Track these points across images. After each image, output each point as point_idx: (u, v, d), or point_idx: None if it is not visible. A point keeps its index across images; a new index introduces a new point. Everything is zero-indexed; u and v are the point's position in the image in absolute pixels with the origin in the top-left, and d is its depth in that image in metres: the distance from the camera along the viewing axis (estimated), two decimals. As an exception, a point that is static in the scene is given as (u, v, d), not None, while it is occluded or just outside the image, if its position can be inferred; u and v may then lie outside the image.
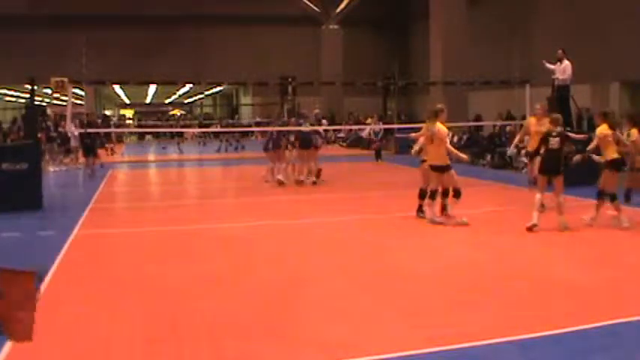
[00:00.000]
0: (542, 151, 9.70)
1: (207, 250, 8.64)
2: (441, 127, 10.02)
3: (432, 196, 10.19)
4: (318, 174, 15.84)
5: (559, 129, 9.71)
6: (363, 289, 6.59)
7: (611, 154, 9.87)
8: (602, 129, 9.93)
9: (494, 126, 22.60)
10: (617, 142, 10.00)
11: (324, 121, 31.55)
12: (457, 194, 9.93)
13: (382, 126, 25.13)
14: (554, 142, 9.56)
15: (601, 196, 9.83)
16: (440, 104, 10.72)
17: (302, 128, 15.67)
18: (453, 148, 10.26)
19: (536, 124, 11.17)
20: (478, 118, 24.18)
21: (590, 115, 19.15)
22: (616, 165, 9.89)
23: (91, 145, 18.28)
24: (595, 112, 19.42)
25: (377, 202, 12.65)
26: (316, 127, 16.58)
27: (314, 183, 15.45)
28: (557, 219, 9.49)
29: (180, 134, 30.90)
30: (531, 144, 11.37)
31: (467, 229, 9.77)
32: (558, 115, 10.13)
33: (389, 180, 17.48)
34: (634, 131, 10.18)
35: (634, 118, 10.62)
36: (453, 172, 10.04)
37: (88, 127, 18.77)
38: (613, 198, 9.73)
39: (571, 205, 12.19)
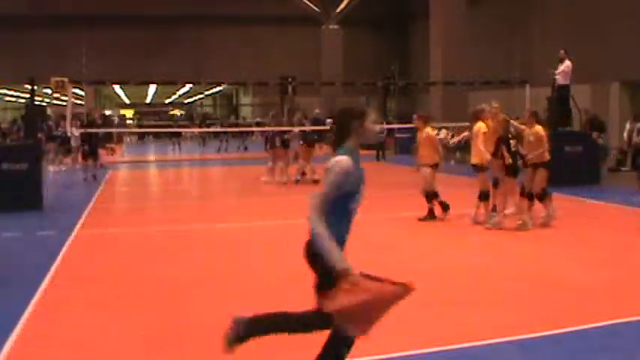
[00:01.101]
0: (507, 154, 9.46)
1: (207, 250, 8.63)
2: (480, 125, 10.00)
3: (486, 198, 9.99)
4: (304, 173, 15.91)
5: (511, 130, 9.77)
6: (363, 289, 6.58)
7: (547, 155, 9.78)
8: (540, 130, 9.80)
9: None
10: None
11: (329, 121, 31.54)
12: (483, 196, 9.86)
13: (384, 126, 25.12)
14: (513, 143, 9.57)
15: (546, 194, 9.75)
16: (483, 104, 10.57)
17: (293, 128, 15.76)
18: (481, 147, 9.93)
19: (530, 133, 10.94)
20: None
21: (591, 116, 19.14)
22: (550, 165, 9.83)
23: (93, 148, 17.64)
24: (596, 113, 19.45)
25: (377, 202, 12.62)
26: (301, 127, 16.57)
27: (315, 182, 15.36)
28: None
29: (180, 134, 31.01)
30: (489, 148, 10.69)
31: (467, 229, 9.77)
32: (505, 117, 9.88)
33: (389, 180, 17.46)
34: (539, 128, 9.88)
35: (537, 114, 10.42)
36: (482, 174, 9.98)
37: (88, 127, 18.65)
38: (544, 196, 9.73)
39: (572, 207, 12.20)
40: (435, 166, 10.44)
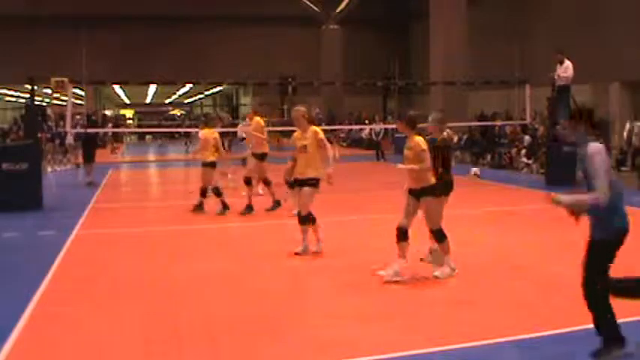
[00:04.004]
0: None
1: (207, 250, 8.63)
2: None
3: None
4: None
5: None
6: (363, 288, 6.58)
7: (431, 177, 7.31)
8: (418, 143, 7.00)
9: (495, 126, 22.60)
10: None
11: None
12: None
13: (382, 126, 25.13)
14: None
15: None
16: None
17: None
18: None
19: (301, 138, 8.42)
20: (486, 118, 24.21)
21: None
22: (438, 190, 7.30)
23: (91, 152, 17.11)
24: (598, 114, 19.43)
25: (378, 202, 12.64)
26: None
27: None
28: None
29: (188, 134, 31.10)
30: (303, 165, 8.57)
31: (466, 229, 9.72)
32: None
33: (390, 180, 17.44)
34: (419, 139, 7.08)
35: (256, 108, 9.80)
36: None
37: (88, 128, 18.61)
38: (441, 236, 7.07)
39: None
40: (210, 165, 11.49)
